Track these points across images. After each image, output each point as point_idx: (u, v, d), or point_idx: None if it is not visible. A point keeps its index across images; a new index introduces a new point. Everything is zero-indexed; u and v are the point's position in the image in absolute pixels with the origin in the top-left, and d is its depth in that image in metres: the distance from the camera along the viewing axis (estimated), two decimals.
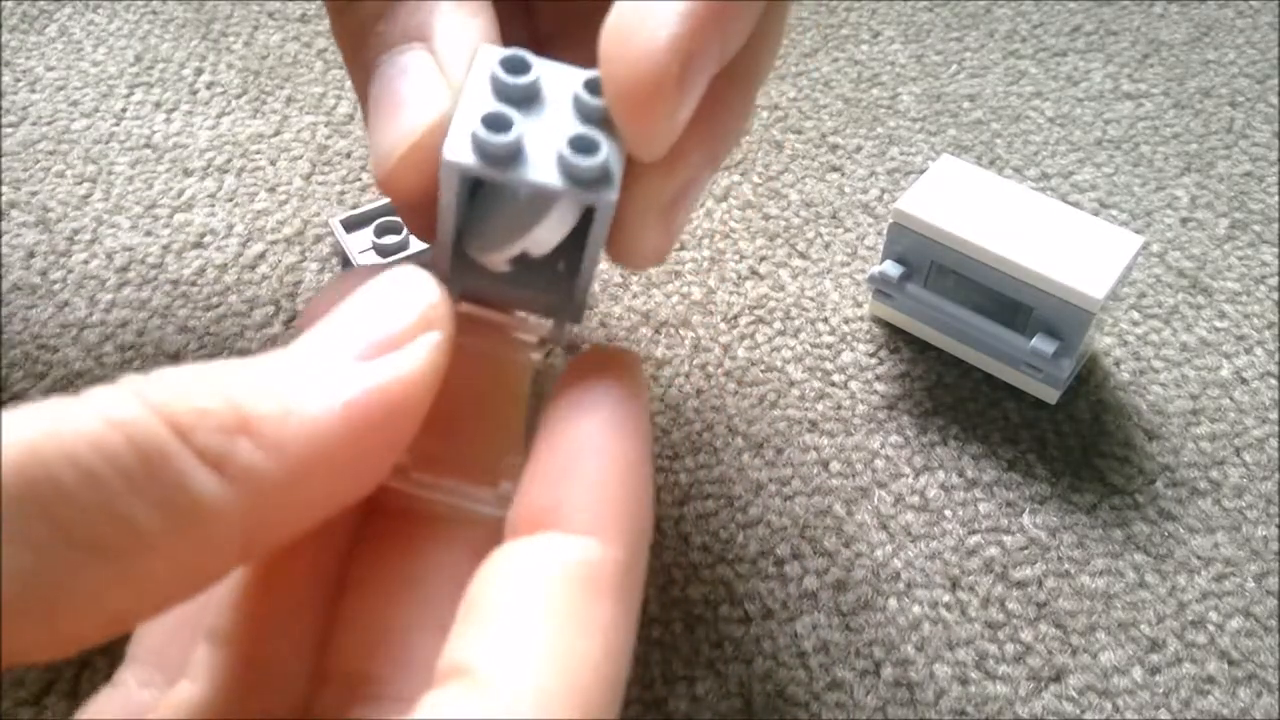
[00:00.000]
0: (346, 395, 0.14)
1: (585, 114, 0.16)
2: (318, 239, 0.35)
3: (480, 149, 0.16)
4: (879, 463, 0.29)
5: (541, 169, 0.16)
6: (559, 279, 0.18)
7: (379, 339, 0.15)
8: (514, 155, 0.16)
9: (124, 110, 0.39)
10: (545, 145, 0.16)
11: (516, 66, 0.16)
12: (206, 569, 0.13)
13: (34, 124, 0.38)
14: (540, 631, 0.13)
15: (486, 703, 0.13)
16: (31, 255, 0.34)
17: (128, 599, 0.13)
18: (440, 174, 0.16)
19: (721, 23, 0.16)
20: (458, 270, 0.17)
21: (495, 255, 0.17)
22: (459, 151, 0.15)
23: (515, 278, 0.17)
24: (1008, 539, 0.28)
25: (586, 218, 0.17)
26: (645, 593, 0.26)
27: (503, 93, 0.16)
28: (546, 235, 0.16)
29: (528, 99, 0.16)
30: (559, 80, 0.17)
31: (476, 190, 0.17)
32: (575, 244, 0.17)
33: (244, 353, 0.31)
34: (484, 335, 0.18)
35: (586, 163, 0.16)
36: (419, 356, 0.15)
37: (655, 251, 0.18)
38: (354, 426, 0.14)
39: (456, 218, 0.16)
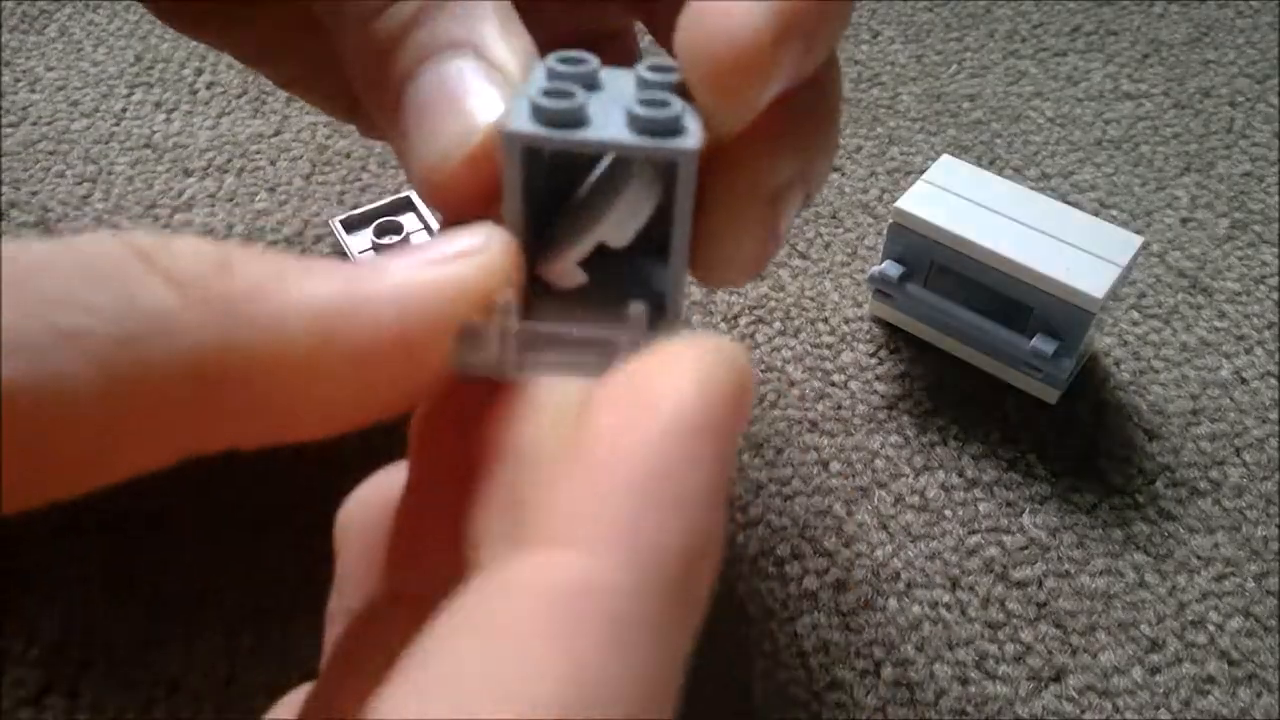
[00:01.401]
0: (372, 282, 0.13)
1: (651, 89, 0.15)
2: (318, 239, 0.35)
3: (541, 115, 0.14)
4: (879, 463, 0.29)
5: (610, 128, 0.14)
6: (643, 281, 0.16)
7: (433, 254, 0.14)
8: (578, 119, 0.15)
9: (124, 110, 0.39)
10: (612, 110, 0.15)
11: (573, 59, 0.16)
12: (151, 410, 0.12)
13: (34, 124, 0.38)
14: (462, 652, 0.11)
15: None
16: None
17: (48, 421, 0.11)
18: (503, 154, 0.15)
19: (816, 16, 0.15)
20: (528, 291, 0.15)
21: (569, 256, 0.15)
22: (520, 121, 0.14)
23: (593, 293, 0.16)
24: (1008, 539, 0.28)
25: (669, 198, 0.15)
26: None
27: (562, 77, 0.15)
28: (626, 214, 0.15)
29: (588, 83, 0.15)
30: (616, 72, 0.16)
31: (541, 205, 0.16)
32: (657, 244, 0.16)
33: None
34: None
35: (660, 114, 0.14)
36: (459, 269, 0.14)
37: (754, 258, 0.17)
38: (373, 312, 0.13)
39: (524, 206, 0.15)
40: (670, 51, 0.23)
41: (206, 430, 0.13)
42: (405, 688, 0.10)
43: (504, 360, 0.14)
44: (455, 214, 0.16)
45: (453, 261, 0.14)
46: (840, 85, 0.18)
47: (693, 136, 0.14)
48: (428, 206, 0.16)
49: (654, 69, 0.16)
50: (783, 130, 0.16)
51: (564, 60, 0.16)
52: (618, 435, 0.12)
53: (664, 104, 0.15)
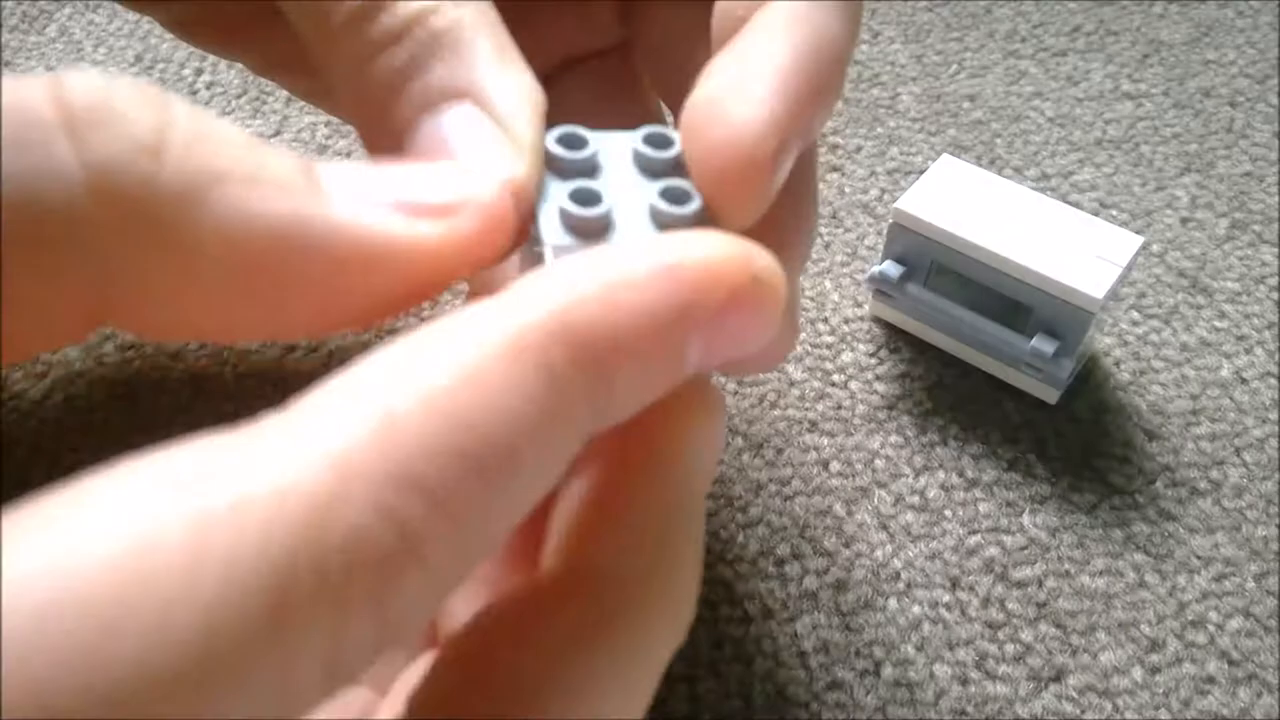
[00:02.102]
0: (317, 211, 0.13)
1: (653, 170, 0.16)
2: None
3: (570, 223, 0.15)
4: (879, 463, 0.29)
5: (636, 229, 0.15)
6: None
7: (421, 201, 0.14)
8: (606, 227, 0.15)
9: None
10: (632, 207, 0.15)
11: (573, 142, 0.16)
12: (49, 281, 0.12)
13: None
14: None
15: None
16: None
17: None
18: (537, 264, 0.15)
19: (817, 102, 0.16)
20: None
21: None
22: (555, 235, 0.15)
23: None
24: (1008, 539, 0.28)
25: None
26: None
27: (569, 170, 0.16)
28: None
29: (592, 171, 0.16)
30: (611, 144, 0.16)
31: None
32: None
33: (244, 353, 0.31)
34: None
35: (683, 210, 0.15)
36: (424, 230, 0.13)
37: (788, 343, 0.18)
38: (308, 247, 0.12)
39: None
40: (650, 74, 0.24)
41: (109, 312, 0.12)
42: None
43: None
44: (463, 272, 0.16)
45: (421, 219, 0.13)
46: (814, 156, 0.19)
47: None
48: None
49: (651, 142, 0.16)
50: (784, 217, 0.17)
51: (565, 142, 0.16)
52: None
53: (683, 198, 0.15)
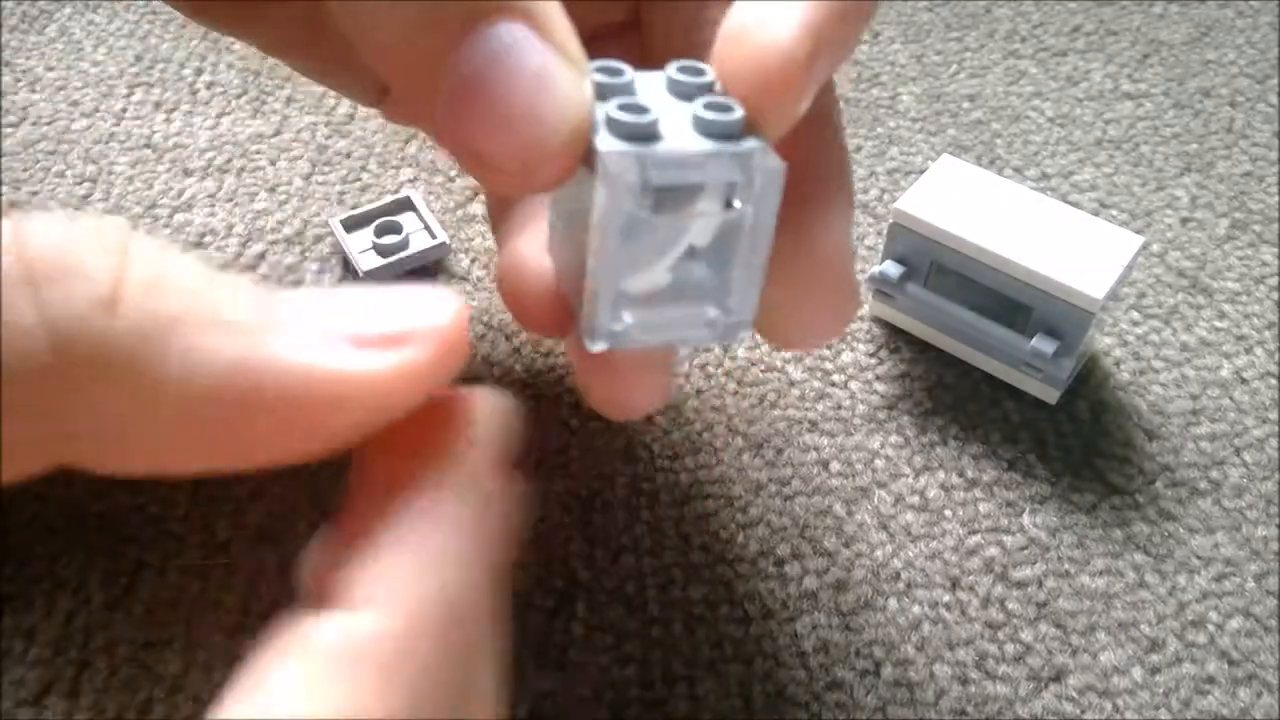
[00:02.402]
0: (270, 349, 0.13)
1: (688, 94, 0.16)
2: (318, 239, 0.35)
3: (622, 131, 0.15)
4: (879, 463, 0.29)
5: (686, 139, 0.15)
6: (721, 287, 0.16)
7: (365, 333, 0.14)
8: (655, 133, 0.15)
9: (124, 110, 0.39)
10: (674, 118, 0.15)
11: (611, 69, 0.16)
12: (13, 431, 0.12)
13: (34, 124, 0.38)
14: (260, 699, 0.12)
15: None
16: None
17: None
18: (607, 178, 0.14)
19: (845, 24, 0.16)
20: (611, 310, 0.16)
21: (657, 264, 0.16)
22: (606, 141, 0.15)
23: (675, 294, 0.16)
24: (1008, 539, 0.28)
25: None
26: (645, 593, 0.26)
27: (609, 92, 0.16)
28: (711, 217, 0.15)
29: (632, 94, 0.16)
30: (646, 76, 0.16)
31: (631, 226, 0.16)
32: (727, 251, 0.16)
33: None
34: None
35: (726, 118, 0.15)
36: (376, 361, 0.13)
37: (852, 308, 0.19)
38: (257, 388, 0.13)
39: (620, 234, 0.15)
40: (656, 50, 0.24)
41: (69, 453, 0.13)
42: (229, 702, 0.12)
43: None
44: (511, 192, 0.16)
45: (371, 349, 0.14)
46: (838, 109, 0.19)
47: (764, 140, 0.15)
48: (474, 177, 0.15)
49: (684, 70, 0.16)
50: (826, 174, 0.17)
51: (603, 70, 0.16)
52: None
53: (726, 108, 0.15)
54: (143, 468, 0.13)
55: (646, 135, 0.15)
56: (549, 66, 0.15)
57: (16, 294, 0.12)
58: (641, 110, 0.15)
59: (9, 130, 0.38)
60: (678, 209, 0.15)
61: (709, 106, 0.15)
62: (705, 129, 0.15)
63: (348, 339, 0.14)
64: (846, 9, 0.16)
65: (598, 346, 0.16)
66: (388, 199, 0.34)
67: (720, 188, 0.15)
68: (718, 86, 0.16)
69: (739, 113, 0.15)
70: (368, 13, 0.16)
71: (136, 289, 0.12)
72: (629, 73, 0.16)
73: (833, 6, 0.16)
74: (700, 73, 0.16)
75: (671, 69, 0.16)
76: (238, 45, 0.42)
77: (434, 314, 0.14)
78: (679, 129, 0.15)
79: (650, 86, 0.16)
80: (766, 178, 0.15)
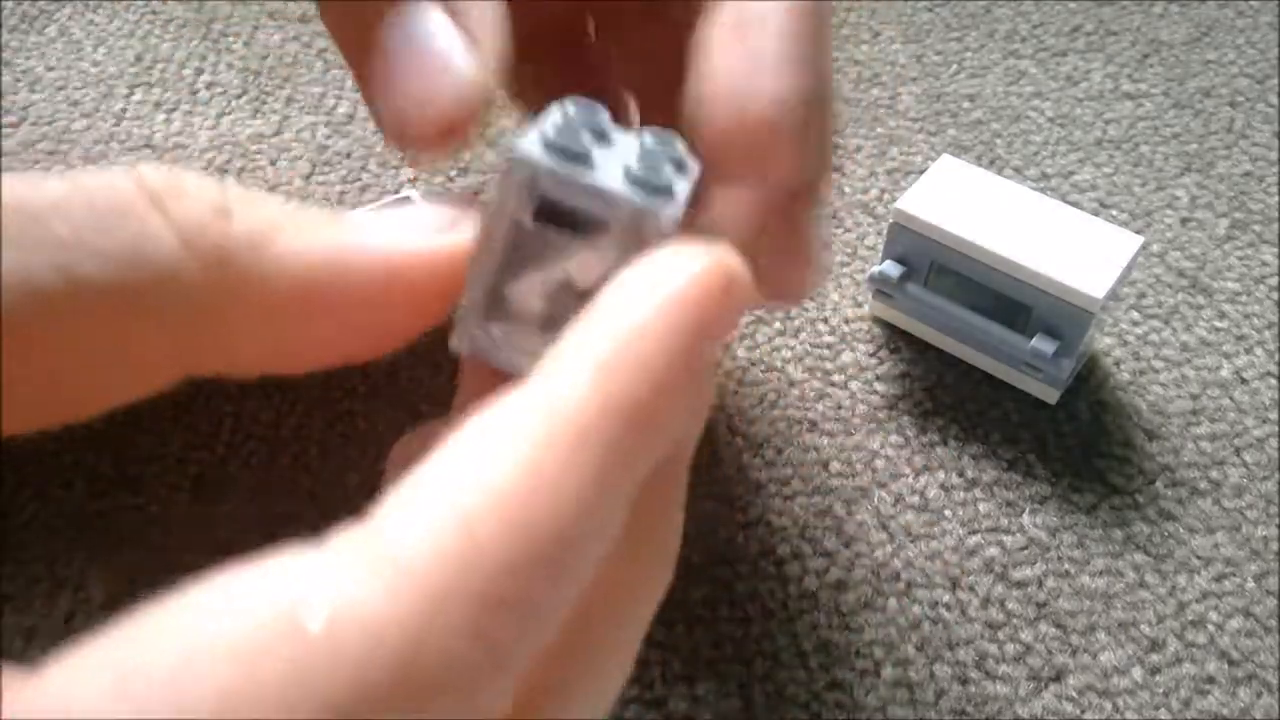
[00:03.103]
0: (351, 241, 0.15)
1: (652, 155, 0.17)
2: None
3: (552, 149, 0.15)
4: (879, 463, 0.29)
5: (607, 178, 0.16)
6: None
7: (407, 220, 0.16)
8: (584, 161, 0.16)
9: (124, 110, 0.39)
10: (612, 164, 0.16)
11: (588, 106, 0.17)
12: (149, 346, 0.14)
13: (34, 124, 0.38)
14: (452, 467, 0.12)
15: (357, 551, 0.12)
16: None
17: (59, 356, 0.13)
18: (507, 177, 0.15)
19: (820, 62, 0.18)
20: (485, 299, 0.16)
21: (536, 280, 0.16)
22: (531, 148, 0.15)
23: (545, 324, 0.16)
24: (1008, 539, 0.28)
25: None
26: None
27: (573, 121, 0.16)
28: (596, 258, 0.16)
29: (597, 131, 0.16)
30: (626, 134, 0.17)
31: (515, 229, 0.17)
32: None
33: None
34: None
35: (655, 178, 0.16)
36: (435, 244, 0.16)
37: (817, 279, 0.20)
38: (349, 270, 0.15)
39: (510, 233, 0.16)
40: (607, 48, 0.25)
41: (199, 357, 0.14)
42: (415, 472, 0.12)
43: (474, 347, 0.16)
44: (418, 156, 0.18)
45: (434, 234, 0.16)
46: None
47: (676, 205, 0.16)
48: (394, 145, 0.18)
49: (657, 138, 0.17)
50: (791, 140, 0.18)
51: (578, 105, 0.17)
52: (613, 307, 0.14)
53: (660, 170, 0.16)
54: (258, 365, 0.15)
55: (568, 155, 0.16)
56: (452, 51, 0.17)
57: (145, 208, 0.13)
58: (576, 138, 0.16)
59: (9, 130, 0.38)
60: (569, 232, 0.16)
61: (644, 164, 0.16)
62: (628, 176, 0.16)
63: (412, 227, 0.16)
64: (819, 45, 0.18)
65: (461, 348, 0.16)
66: (388, 198, 0.34)
67: (626, 239, 0.16)
68: (680, 149, 0.17)
69: (667, 176, 0.16)
70: None
71: (240, 204, 0.14)
72: (604, 115, 0.17)
73: (806, 49, 0.17)
74: (671, 142, 0.17)
75: (647, 135, 0.17)
76: (237, 45, 0.42)
77: (459, 211, 0.16)
78: (608, 168, 0.16)
79: (624, 142, 0.17)
80: (651, 239, 0.16)
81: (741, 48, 0.18)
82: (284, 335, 0.15)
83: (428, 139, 0.17)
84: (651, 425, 0.13)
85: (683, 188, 0.16)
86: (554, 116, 0.16)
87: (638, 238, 0.16)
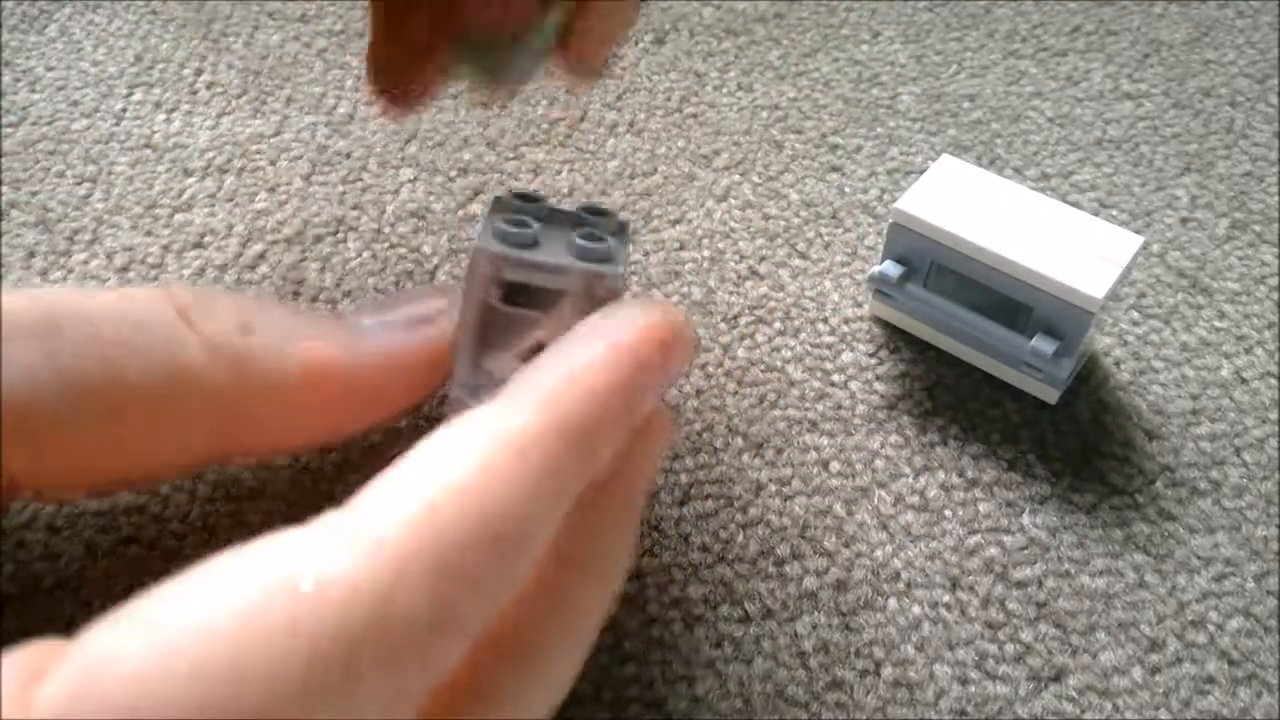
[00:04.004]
0: (353, 341, 0.18)
1: (588, 226, 0.20)
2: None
3: (505, 238, 0.19)
4: (879, 463, 0.29)
5: (556, 254, 0.19)
6: None
7: (399, 316, 0.18)
8: (533, 243, 0.19)
9: (124, 110, 0.39)
10: (558, 240, 0.19)
11: (529, 197, 0.20)
12: (179, 436, 0.16)
13: (34, 124, 0.38)
14: (417, 467, 0.15)
15: (342, 524, 0.14)
16: (31, 255, 0.34)
17: (104, 441, 0.15)
18: (471, 268, 0.18)
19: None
20: (471, 374, 0.19)
21: (514, 349, 0.19)
22: (488, 240, 0.18)
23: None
24: (1008, 539, 0.28)
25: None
26: (645, 593, 0.26)
27: (521, 211, 0.20)
28: (560, 323, 0.19)
29: (539, 216, 0.20)
30: (563, 211, 0.21)
31: (488, 311, 0.20)
32: None
33: None
34: None
35: (596, 247, 0.19)
36: (426, 335, 0.18)
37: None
38: (352, 366, 0.17)
39: (479, 310, 0.19)
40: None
41: (223, 446, 0.17)
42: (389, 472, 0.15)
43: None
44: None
45: (417, 327, 0.19)
46: None
47: (619, 266, 0.19)
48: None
49: (590, 211, 0.21)
50: None
51: (521, 196, 0.20)
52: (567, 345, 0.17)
53: (600, 239, 0.19)
54: (274, 451, 0.18)
55: (519, 242, 0.19)
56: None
57: (178, 325, 0.16)
58: (525, 225, 0.19)
59: (9, 130, 0.38)
60: (534, 307, 0.19)
61: (585, 236, 0.19)
62: (576, 251, 0.19)
63: (401, 324, 0.18)
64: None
65: (451, 416, 0.19)
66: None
67: (581, 302, 0.19)
68: (616, 218, 0.20)
69: (608, 245, 0.19)
70: None
71: (260, 317, 0.17)
72: (546, 203, 0.20)
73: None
74: (606, 214, 0.20)
75: (581, 209, 0.20)
76: (238, 45, 0.42)
77: (433, 303, 0.19)
78: (555, 245, 0.19)
79: (563, 218, 0.20)
80: (602, 298, 0.19)
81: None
82: (296, 424, 0.17)
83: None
84: (586, 444, 0.16)
85: (622, 252, 0.19)
86: (502, 210, 0.19)
87: (591, 299, 0.19)
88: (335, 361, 0.17)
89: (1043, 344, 0.29)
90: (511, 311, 0.19)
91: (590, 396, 0.16)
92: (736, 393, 0.31)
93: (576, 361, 0.16)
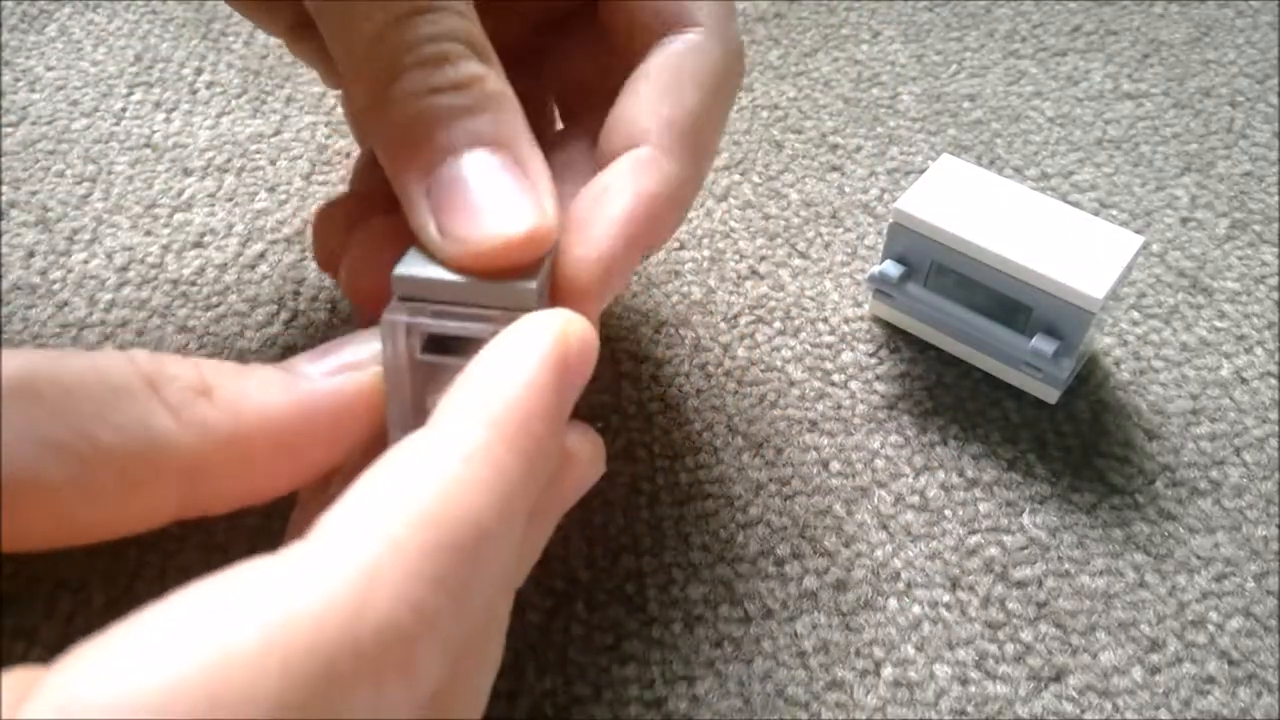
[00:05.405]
0: (300, 390, 0.18)
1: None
2: None
3: (414, 309, 0.19)
4: (879, 463, 0.29)
5: (470, 299, 0.19)
6: None
7: (337, 363, 0.19)
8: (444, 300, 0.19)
9: (124, 110, 0.39)
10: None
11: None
12: (150, 497, 0.17)
13: (34, 124, 0.38)
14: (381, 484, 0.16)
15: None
16: (31, 255, 0.34)
17: (78, 504, 0.16)
18: (386, 338, 0.19)
19: (646, 240, 0.21)
20: (412, 416, 0.20)
21: (445, 390, 0.19)
22: (398, 314, 0.19)
23: None
24: (1008, 539, 0.28)
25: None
26: (645, 593, 0.26)
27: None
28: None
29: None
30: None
31: (412, 364, 0.20)
32: None
33: (244, 352, 0.31)
34: None
35: (514, 286, 0.19)
36: (364, 378, 0.19)
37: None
38: (302, 414, 0.18)
39: (411, 371, 0.19)
40: (543, 57, 0.28)
41: (190, 502, 0.18)
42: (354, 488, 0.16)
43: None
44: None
45: (364, 372, 0.19)
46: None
47: (535, 282, 0.19)
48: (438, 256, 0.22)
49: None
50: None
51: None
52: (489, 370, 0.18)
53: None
54: (237, 503, 0.18)
55: (430, 303, 0.19)
56: (510, 190, 0.20)
57: (141, 393, 0.17)
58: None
59: (9, 130, 0.38)
60: (455, 353, 0.19)
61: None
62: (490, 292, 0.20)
63: (345, 370, 0.19)
64: (649, 228, 0.21)
65: None
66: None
67: (502, 321, 0.19)
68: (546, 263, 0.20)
69: (530, 285, 0.19)
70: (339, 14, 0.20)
71: (215, 378, 0.18)
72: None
73: (635, 229, 0.21)
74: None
75: None
76: (238, 45, 0.42)
77: (362, 349, 0.20)
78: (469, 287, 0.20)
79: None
80: (520, 311, 0.19)
81: (593, 197, 0.21)
82: (257, 476, 0.18)
83: (484, 261, 0.19)
84: (539, 449, 0.17)
85: (540, 268, 0.19)
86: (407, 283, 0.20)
87: (509, 316, 0.19)
88: (287, 414, 0.18)
89: (1043, 344, 0.29)
90: (435, 361, 0.19)
91: (528, 409, 0.17)
92: (736, 392, 0.31)
93: (518, 378, 0.17)
